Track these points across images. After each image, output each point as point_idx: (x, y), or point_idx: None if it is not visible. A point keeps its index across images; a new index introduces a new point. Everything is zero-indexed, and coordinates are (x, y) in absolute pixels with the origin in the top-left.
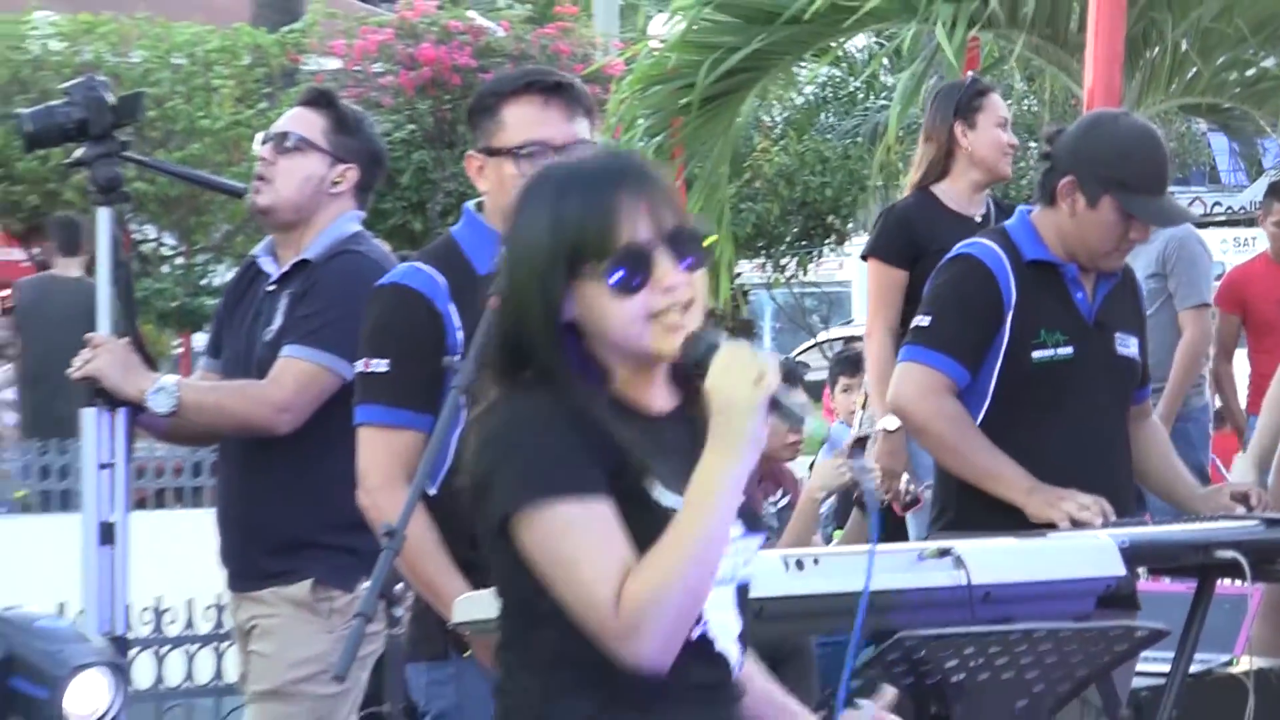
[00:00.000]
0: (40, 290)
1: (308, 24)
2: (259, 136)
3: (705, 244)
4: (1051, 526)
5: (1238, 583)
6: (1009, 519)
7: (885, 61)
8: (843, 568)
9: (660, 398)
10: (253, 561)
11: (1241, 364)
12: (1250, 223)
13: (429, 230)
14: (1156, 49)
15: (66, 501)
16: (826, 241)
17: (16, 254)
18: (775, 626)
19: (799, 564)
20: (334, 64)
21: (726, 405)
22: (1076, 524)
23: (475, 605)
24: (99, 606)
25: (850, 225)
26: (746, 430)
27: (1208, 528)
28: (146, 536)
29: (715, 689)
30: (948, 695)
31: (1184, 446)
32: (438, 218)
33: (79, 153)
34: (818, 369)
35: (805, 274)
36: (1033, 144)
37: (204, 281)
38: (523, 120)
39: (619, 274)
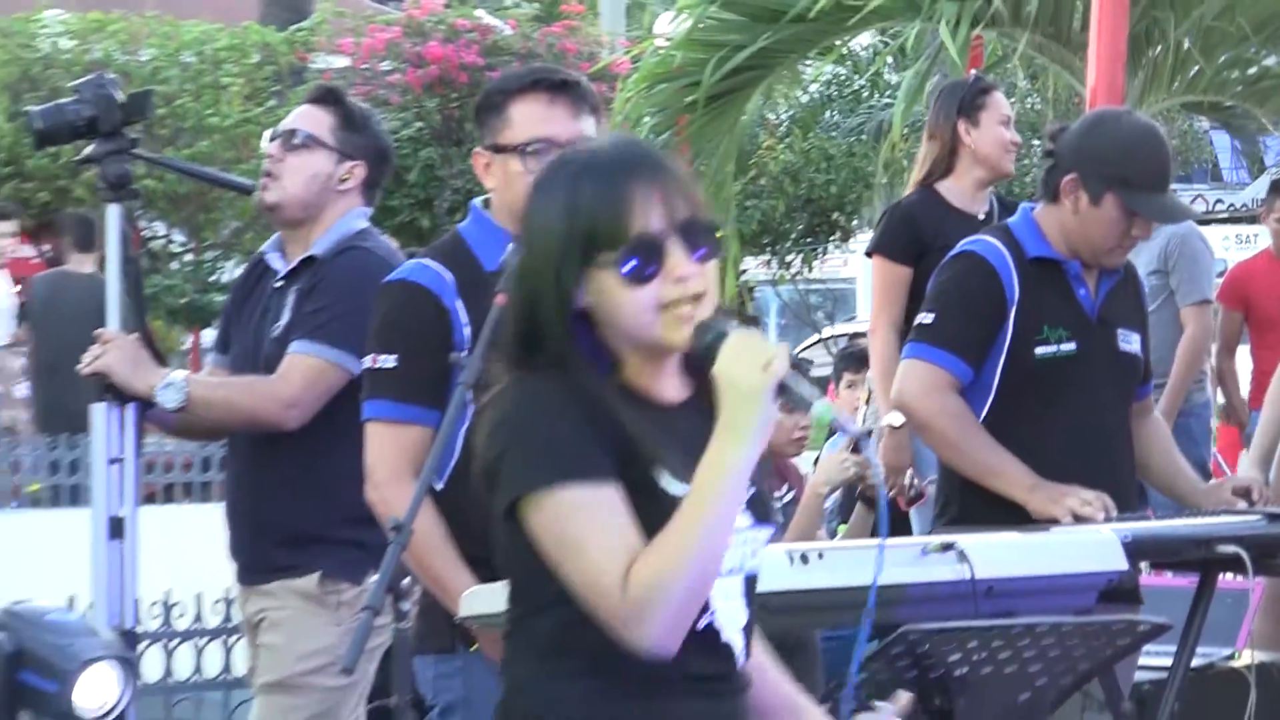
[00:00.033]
0: (53, 286)
1: (316, 22)
2: (267, 134)
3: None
4: (1054, 522)
5: (1239, 577)
6: (1012, 515)
7: (890, 60)
8: (847, 562)
9: (672, 388)
10: (261, 555)
11: (1244, 360)
12: (1252, 220)
13: (436, 227)
14: (1159, 47)
15: (76, 496)
16: (831, 238)
17: (26, 250)
18: (780, 620)
19: (803, 558)
20: (342, 62)
21: (734, 391)
22: (1079, 519)
23: (482, 599)
24: (108, 600)
25: (855, 222)
26: (754, 416)
27: (1210, 523)
28: (156, 531)
29: (720, 680)
30: (951, 689)
31: (1186, 442)
32: (445, 215)
33: (89, 150)
34: (822, 365)
35: (810, 271)
36: (1036, 142)
37: (213, 278)
38: (529, 118)
39: (631, 263)
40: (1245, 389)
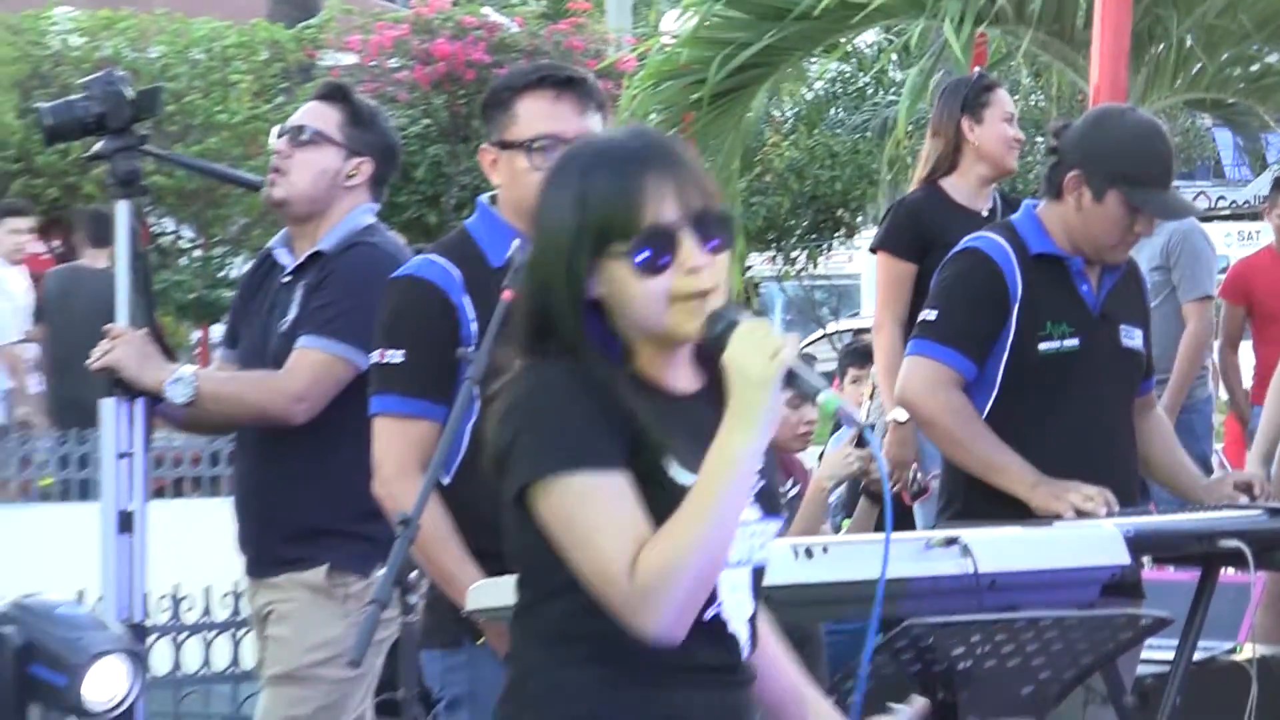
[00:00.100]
0: (67, 281)
1: (324, 20)
2: (275, 130)
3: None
4: (1057, 517)
5: (1241, 572)
6: (1015, 510)
7: (894, 57)
8: (851, 556)
9: (683, 378)
10: (270, 549)
11: (1246, 355)
12: (1254, 216)
13: (444, 223)
14: (1162, 45)
15: (86, 490)
16: (836, 235)
17: (36, 246)
18: (784, 614)
19: (808, 552)
20: (350, 59)
21: (743, 379)
22: (1081, 514)
23: (488, 593)
24: (118, 594)
25: (859, 219)
26: (762, 403)
27: (1212, 517)
28: (165, 525)
29: (725, 671)
30: (954, 682)
31: (1187, 438)
32: (452, 211)
33: (98, 146)
34: (826, 360)
35: (815, 267)
36: (1039, 139)
37: (221, 274)
38: (535, 114)
39: (644, 254)
40: (1248, 383)
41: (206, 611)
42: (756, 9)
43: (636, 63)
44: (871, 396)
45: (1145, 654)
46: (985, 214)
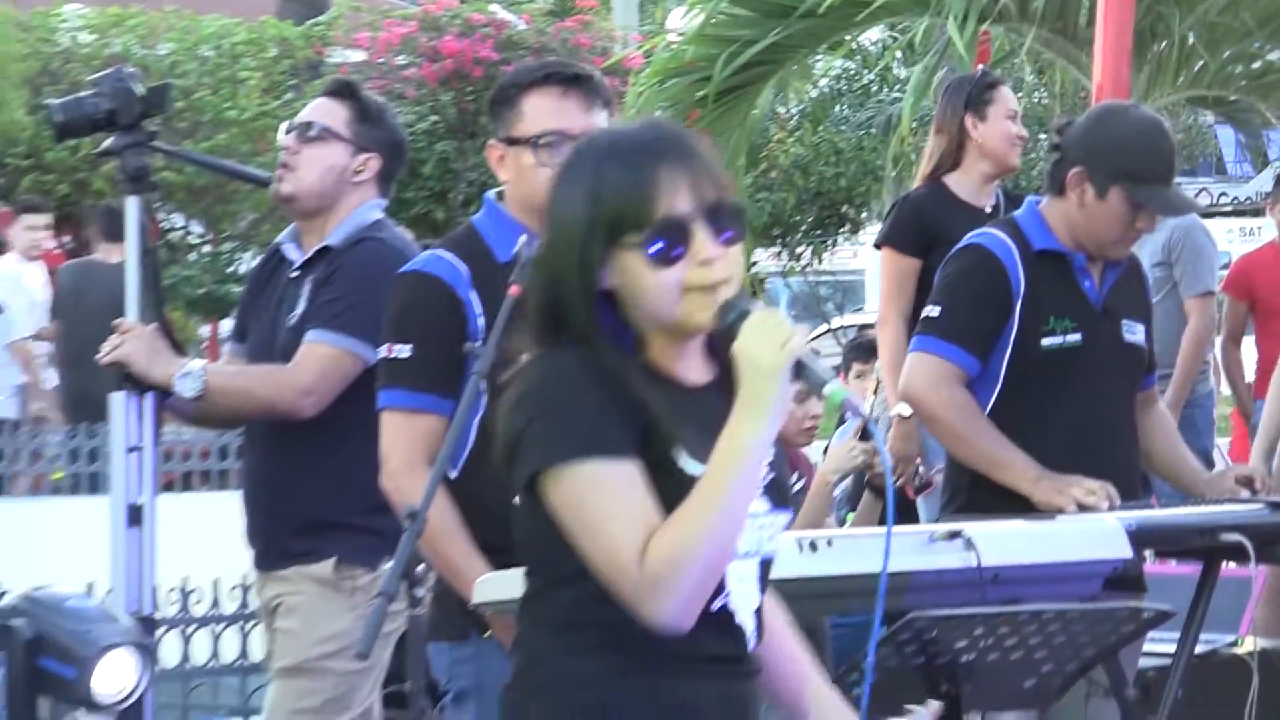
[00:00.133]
0: (80, 276)
1: (333, 17)
2: (283, 126)
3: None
4: (1060, 512)
5: (1242, 565)
6: (1018, 505)
7: (898, 54)
8: (856, 549)
9: (695, 369)
10: (278, 542)
11: (1249, 350)
12: (1255, 213)
13: (451, 219)
14: (1164, 43)
15: (96, 484)
16: (841, 231)
17: (47, 242)
18: (789, 607)
19: (813, 545)
20: (358, 56)
21: (753, 368)
22: (1083, 508)
23: (495, 586)
24: (127, 587)
25: (864, 215)
26: (772, 393)
27: (1213, 511)
28: (174, 518)
29: (732, 661)
30: (958, 675)
31: (1189, 432)
32: (460, 207)
33: (108, 142)
34: (831, 355)
35: (820, 262)
36: (1042, 136)
37: (230, 269)
38: (542, 111)
39: (658, 245)
40: (1250, 378)
41: (215, 604)
42: (762, 6)
43: (643, 60)
44: (876, 391)
45: (1147, 647)
46: (988, 211)
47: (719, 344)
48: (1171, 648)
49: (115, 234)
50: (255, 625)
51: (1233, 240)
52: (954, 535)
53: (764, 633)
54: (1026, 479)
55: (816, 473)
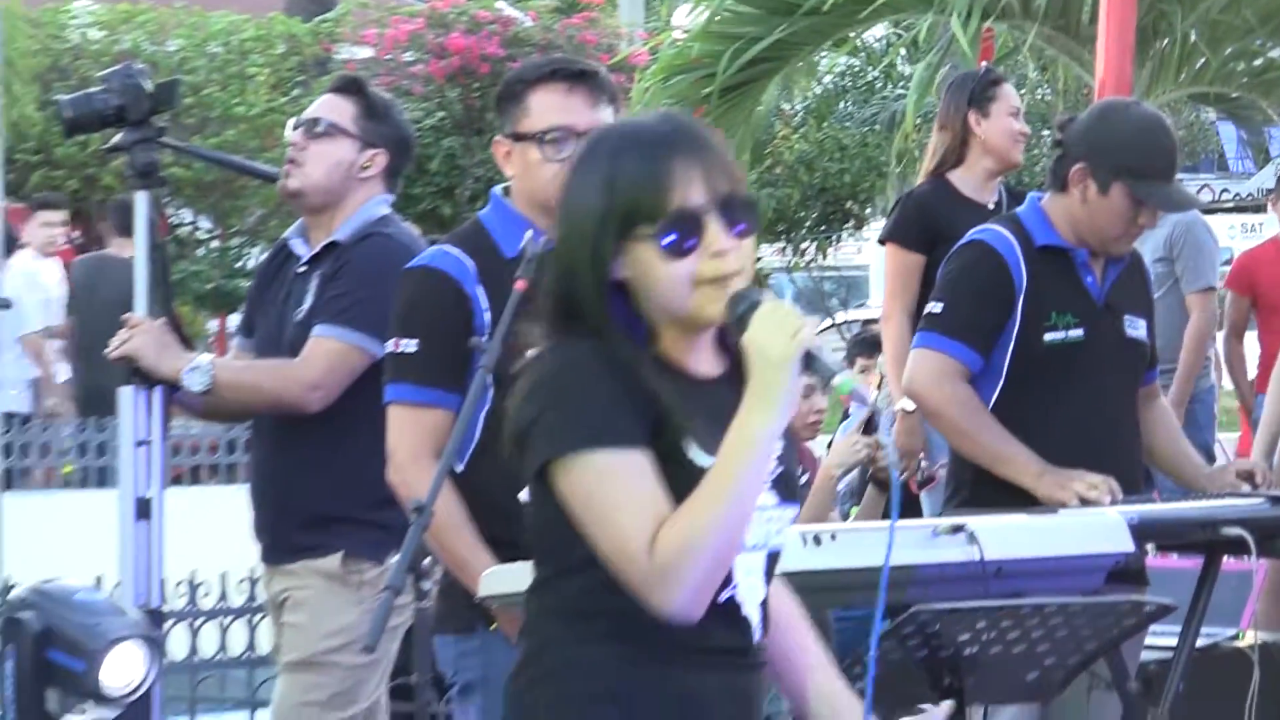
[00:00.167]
0: (93, 270)
1: (340, 14)
2: (291, 122)
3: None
4: (1063, 506)
5: (1244, 559)
6: (1021, 499)
7: (902, 51)
8: (859, 543)
9: (706, 361)
10: (285, 536)
11: (1251, 345)
12: (1257, 209)
13: (458, 215)
14: (1166, 40)
15: (105, 477)
16: (845, 226)
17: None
18: None
19: (816, 539)
20: (366, 53)
21: (763, 359)
22: (1086, 503)
23: (501, 579)
24: (135, 580)
25: (868, 211)
26: (782, 384)
27: (1214, 505)
28: (182, 512)
29: (738, 653)
30: (960, 668)
31: (1190, 427)
32: (466, 203)
33: (117, 138)
34: (835, 350)
35: (824, 258)
36: (1045, 132)
37: (238, 264)
38: (548, 106)
39: (671, 237)
40: (1253, 373)
41: (223, 597)
42: (767, 4)
43: (648, 57)
44: (880, 386)
45: (1149, 640)
46: (991, 207)
47: (730, 337)
48: (1173, 641)
49: (129, 229)
50: (263, 618)
51: (1234, 236)
52: (957, 529)
53: (770, 625)
54: (1029, 473)
55: (820, 467)
